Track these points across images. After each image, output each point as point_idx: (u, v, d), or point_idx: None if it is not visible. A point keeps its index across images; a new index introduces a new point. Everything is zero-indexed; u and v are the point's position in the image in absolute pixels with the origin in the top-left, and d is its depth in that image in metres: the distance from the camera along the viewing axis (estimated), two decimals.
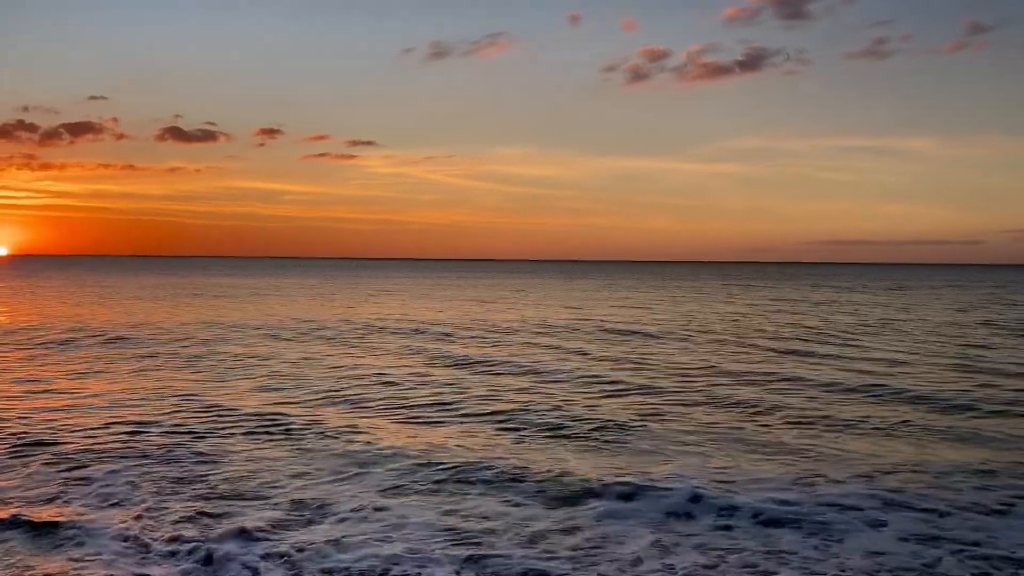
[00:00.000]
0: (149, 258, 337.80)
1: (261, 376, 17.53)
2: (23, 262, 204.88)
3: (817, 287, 77.80)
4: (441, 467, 9.91)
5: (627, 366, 19.66)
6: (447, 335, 26.82)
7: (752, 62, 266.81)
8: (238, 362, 19.72)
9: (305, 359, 20.69)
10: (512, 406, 14.18)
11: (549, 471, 9.74)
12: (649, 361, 20.57)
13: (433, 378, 17.52)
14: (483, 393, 15.56)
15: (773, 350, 22.83)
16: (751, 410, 14.08)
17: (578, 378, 17.71)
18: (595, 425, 12.66)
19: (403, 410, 13.92)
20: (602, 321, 32.69)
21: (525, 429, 12.36)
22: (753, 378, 17.63)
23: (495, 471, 9.74)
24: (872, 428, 12.78)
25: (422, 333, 27.68)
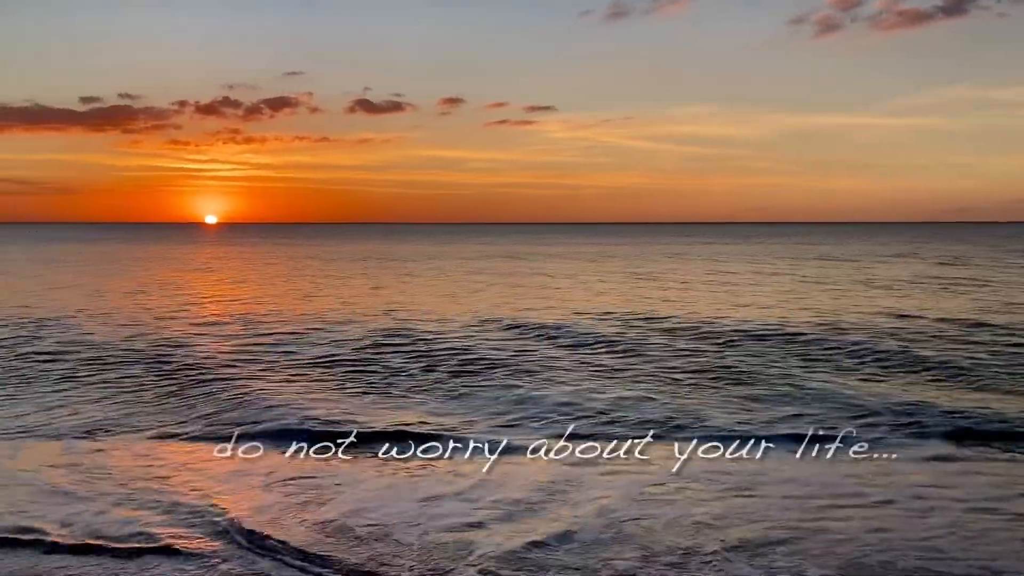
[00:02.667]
0: (341, 225, 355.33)
1: None
2: (230, 230, 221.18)
3: None
4: None
5: None
6: None
7: (955, 6, 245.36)
8: None
9: None
10: None
11: None
12: None
13: None
14: None
15: None
16: None
17: None
18: None
19: None
20: None
21: None
22: None
23: None
24: None
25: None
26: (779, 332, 18.78)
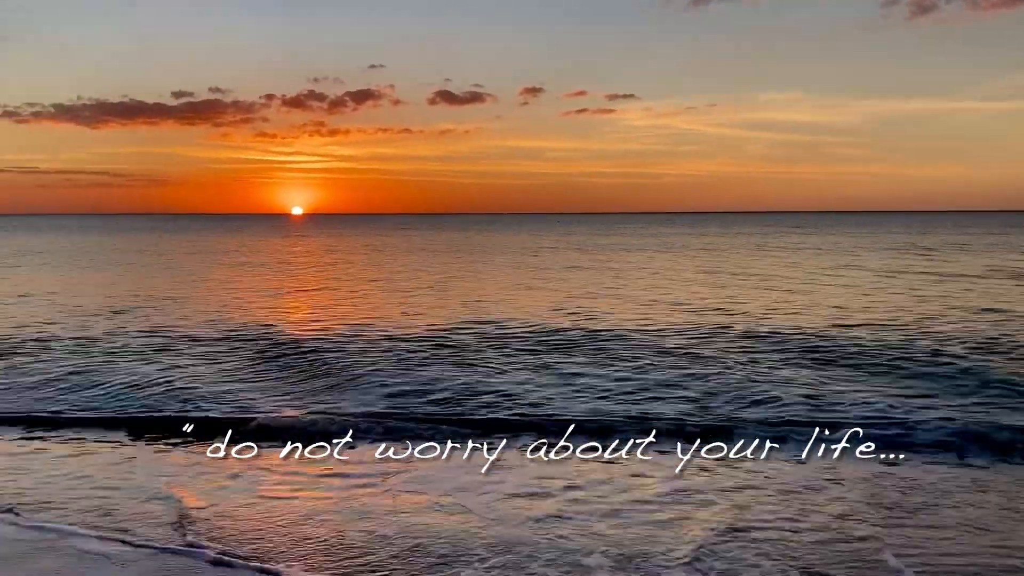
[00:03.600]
0: (422, 216, 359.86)
1: None
2: (315, 220, 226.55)
3: None
4: None
5: None
6: None
7: None
8: None
9: None
10: None
11: None
12: None
13: None
14: None
15: None
16: None
17: None
18: None
19: None
20: None
21: None
22: None
23: None
24: None
25: None
26: (827, 331, 18.06)
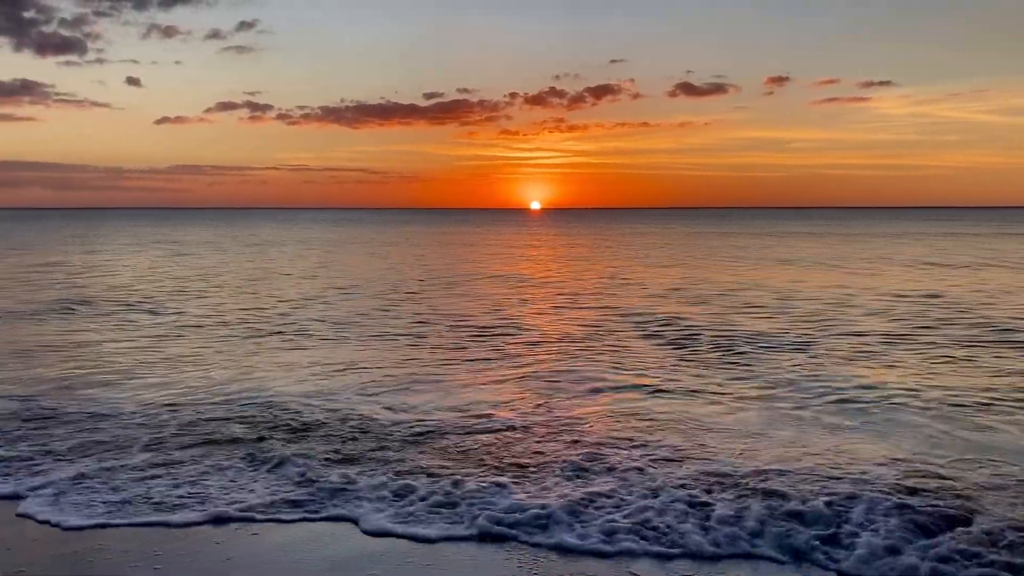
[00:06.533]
0: (659, 210, 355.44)
1: None
2: (553, 215, 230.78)
3: None
4: None
5: None
6: None
7: None
8: None
9: None
10: None
11: None
12: None
13: None
14: None
15: None
16: None
17: None
18: None
19: None
20: None
21: None
22: None
23: None
24: None
25: None
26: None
